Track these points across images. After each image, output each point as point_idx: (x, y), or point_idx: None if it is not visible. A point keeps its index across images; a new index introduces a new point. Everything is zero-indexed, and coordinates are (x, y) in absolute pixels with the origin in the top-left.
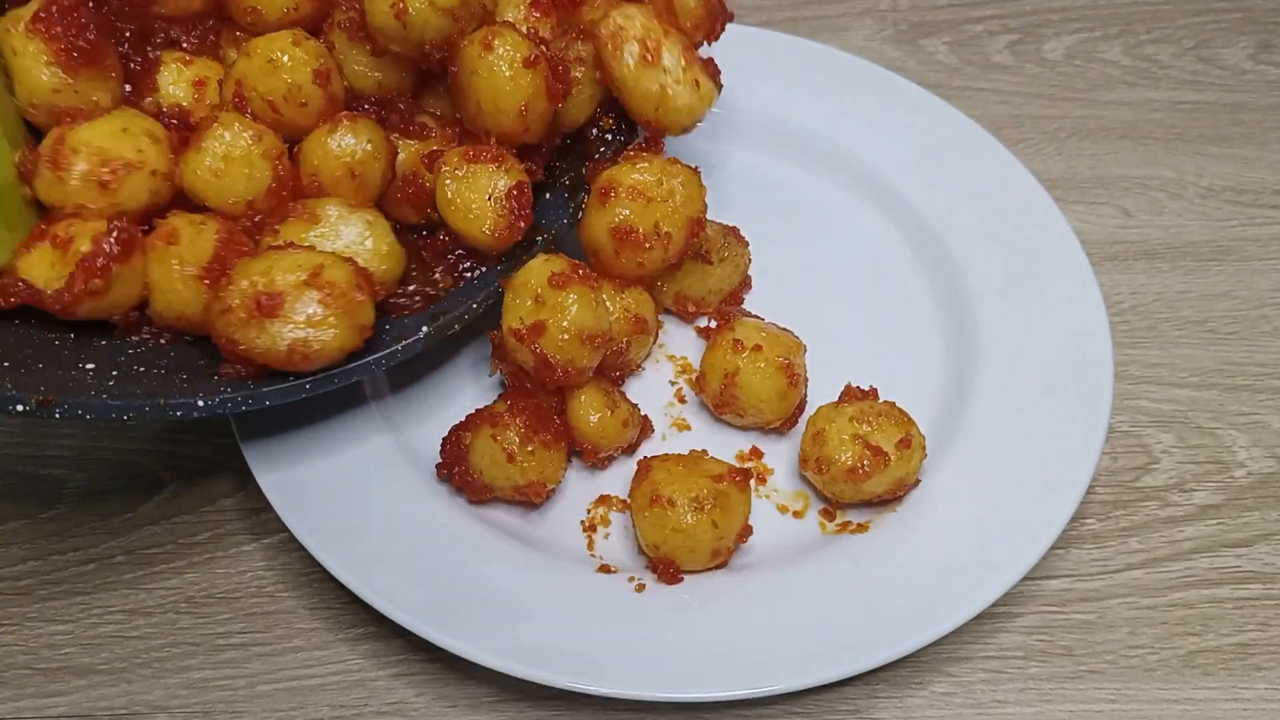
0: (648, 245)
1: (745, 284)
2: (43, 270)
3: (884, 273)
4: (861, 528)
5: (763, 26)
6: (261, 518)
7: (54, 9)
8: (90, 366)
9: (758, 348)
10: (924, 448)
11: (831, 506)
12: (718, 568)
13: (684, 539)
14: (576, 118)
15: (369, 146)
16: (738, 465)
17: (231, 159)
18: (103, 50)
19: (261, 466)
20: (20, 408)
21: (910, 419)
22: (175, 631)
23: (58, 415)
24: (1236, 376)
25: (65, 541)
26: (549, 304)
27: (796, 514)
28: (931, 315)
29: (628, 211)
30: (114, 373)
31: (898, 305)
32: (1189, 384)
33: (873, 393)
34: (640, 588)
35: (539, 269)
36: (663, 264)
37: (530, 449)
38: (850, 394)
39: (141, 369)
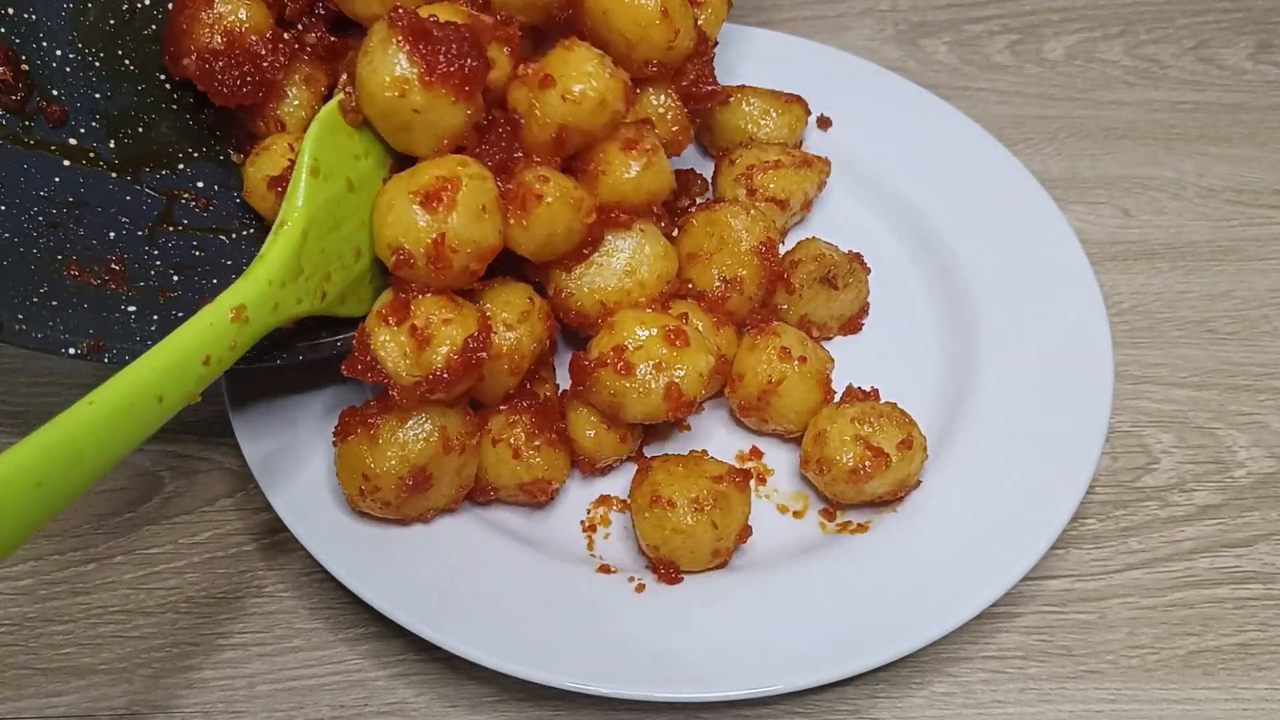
0: (726, 297)
1: (864, 310)
2: (394, 357)
3: (884, 273)
4: (861, 528)
5: (763, 26)
6: (261, 518)
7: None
8: (132, 309)
9: (803, 359)
10: (925, 449)
11: (832, 507)
12: (718, 568)
13: (684, 540)
14: (715, 27)
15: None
16: (738, 465)
17: (556, 226)
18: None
19: (261, 467)
20: (71, 351)
21: (912, 420)
22: (175, 631)
23: (106, 360)
24: (1236, 376)
25: (65, 541)
26: (665, 359)
27: (796, 514)
28: (931, 315)
29: (691, 281)
30: (155, 317)
31: (898, 305)
32: (1189, 384)
33: (874, 393)
34: (640, 588)
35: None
36: (752, 302)
37: (536, 444)
38: (852, 395)
39: (180, 315)
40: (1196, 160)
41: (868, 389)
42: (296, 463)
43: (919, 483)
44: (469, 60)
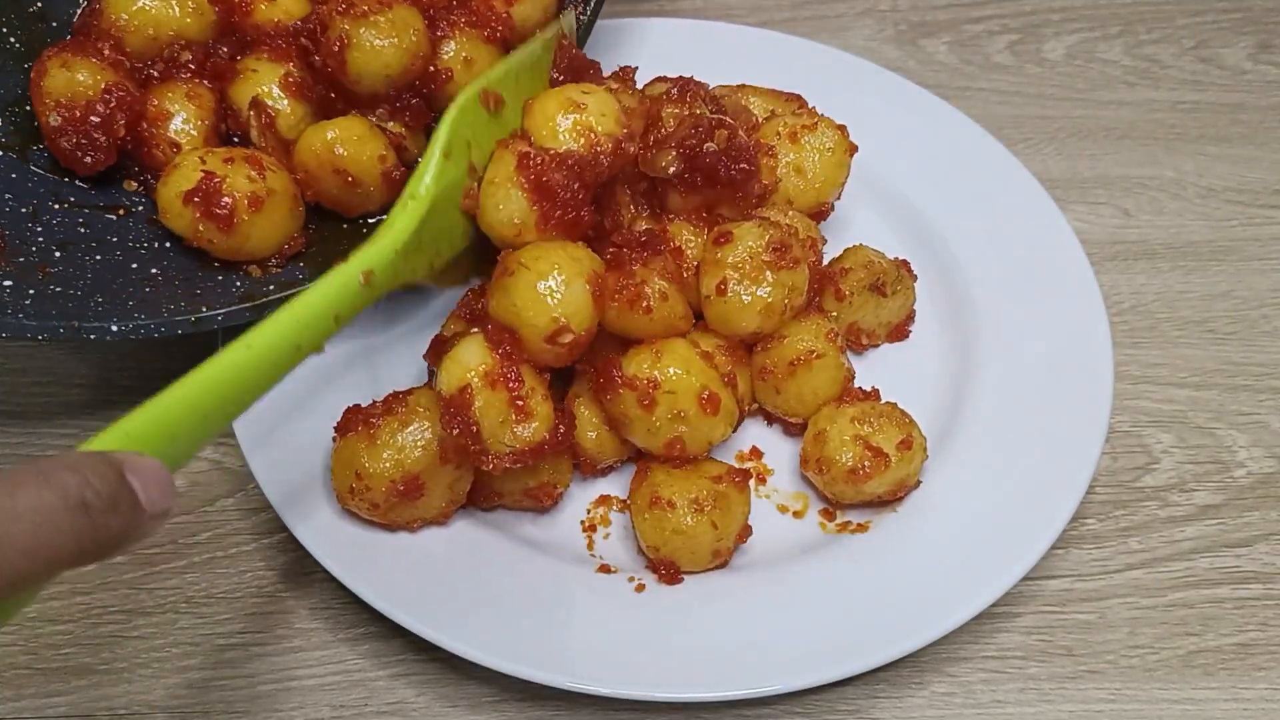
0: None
1: (910, 317)
2: (494, 424)
3: None
4: (861, 528)
5: (763, 26)
6: (261, 518)
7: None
8: (8, 284)
9: (842, 349)
10: (925, 449)
11: (832, 507)
12: (718, 568)
13: (684, 540)
14: None
15: None
16: (737, 465)
17: (645, 331)
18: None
19: (261, 466)
20: None
21: (912, 420)
22: (175, 631)
23: None
24: (1236, 376)
25: None
26: (688, 416)
27: (796, 514)
28: (931, 315)
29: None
30: (31, 291)
31: None
32: (1189, 384)
33: (874, 393)
34: (640, 588)
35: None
36: (806, 282)
37: None
38: (852, 394)
39: (58, 289)
40: (1196, 160)
41: (868, 389)
42: (296, 463)
43: (919, 483)
44: (582, 212)
